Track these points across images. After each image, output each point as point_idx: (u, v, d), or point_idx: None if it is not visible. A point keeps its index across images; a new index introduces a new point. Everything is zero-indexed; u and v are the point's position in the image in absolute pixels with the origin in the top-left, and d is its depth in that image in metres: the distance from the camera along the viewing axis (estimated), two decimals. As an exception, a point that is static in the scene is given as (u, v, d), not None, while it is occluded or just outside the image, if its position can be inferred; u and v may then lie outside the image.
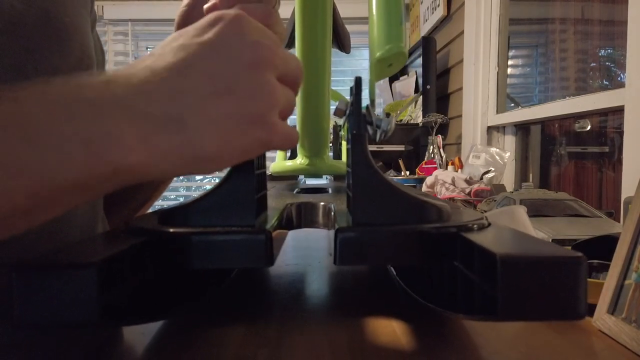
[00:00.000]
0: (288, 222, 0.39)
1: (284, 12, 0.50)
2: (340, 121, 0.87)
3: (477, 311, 0.26)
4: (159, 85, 0.23)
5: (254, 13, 0.39)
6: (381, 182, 0.29)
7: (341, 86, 2.75)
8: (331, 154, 0.72)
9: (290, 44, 0.56)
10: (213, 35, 0.25)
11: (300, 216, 0.40)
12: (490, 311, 0.23)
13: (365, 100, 0.32)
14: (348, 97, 0.32)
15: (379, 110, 2.77)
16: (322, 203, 0.40)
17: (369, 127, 0.31)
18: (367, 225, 0.28)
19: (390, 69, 0.34)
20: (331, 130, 0.72)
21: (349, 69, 2.99)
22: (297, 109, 0.55)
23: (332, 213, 0.37)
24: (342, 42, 0.59)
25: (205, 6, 0.39)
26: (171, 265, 0.29)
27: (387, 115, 0.32)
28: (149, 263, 0.28)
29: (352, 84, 0.31)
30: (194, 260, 0.27)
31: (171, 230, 0.28)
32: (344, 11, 0.68)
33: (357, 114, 0.30)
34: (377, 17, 0.34)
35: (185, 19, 0.42)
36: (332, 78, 0.57)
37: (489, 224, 0.31)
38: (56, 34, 0.40)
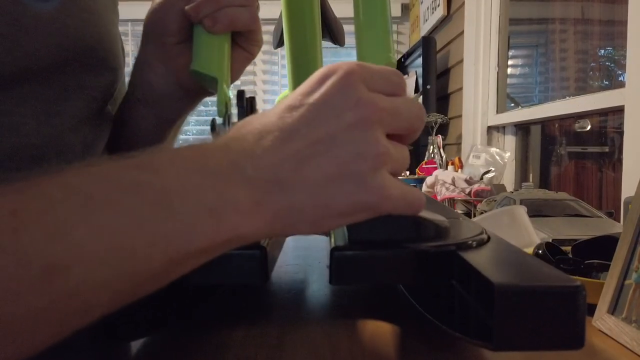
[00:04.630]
0: None
1: (273, 13, 0.49)
2: None
3: (474, 334, 0.25)
4: (264, 151, 0.24)
5: (240, 18, 0.38)
6: None
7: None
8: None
9: (280, 43, 0.55)
10: (320, 96, 0.25)
11: None
12: (486, 338, 0.23)
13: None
14: None
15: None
16: None
17: None
18: (363, 243, 0.28)
19: None
20: None
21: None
22: None
23: None
24: (335, 35, 0.58)
25: (187, 7, 0.39)
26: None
27: None
28: None
29: None
30: (187, 276, 0.27)
31: None
32: (343, 11, 0.67)
33: None
34: (364, 26, 0.32)
35: (156, 16, 0.41)
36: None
37: (489, 238, 0.31)
38: (90, 47, 0.39)
